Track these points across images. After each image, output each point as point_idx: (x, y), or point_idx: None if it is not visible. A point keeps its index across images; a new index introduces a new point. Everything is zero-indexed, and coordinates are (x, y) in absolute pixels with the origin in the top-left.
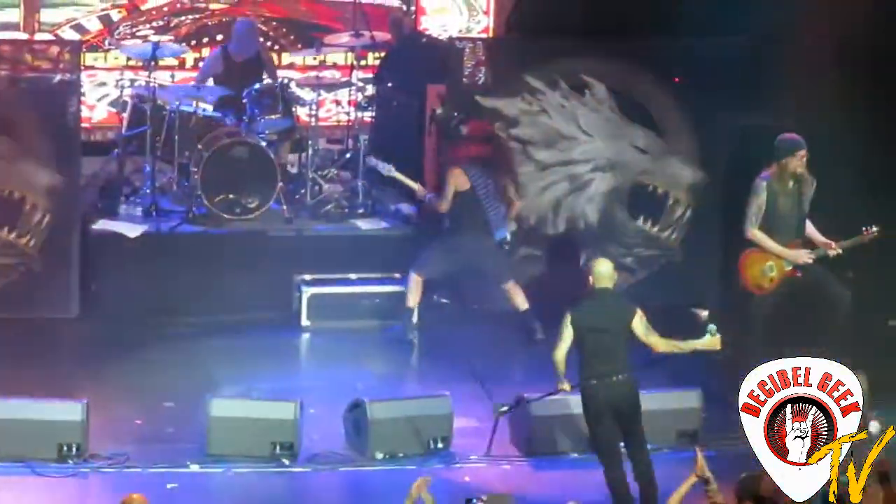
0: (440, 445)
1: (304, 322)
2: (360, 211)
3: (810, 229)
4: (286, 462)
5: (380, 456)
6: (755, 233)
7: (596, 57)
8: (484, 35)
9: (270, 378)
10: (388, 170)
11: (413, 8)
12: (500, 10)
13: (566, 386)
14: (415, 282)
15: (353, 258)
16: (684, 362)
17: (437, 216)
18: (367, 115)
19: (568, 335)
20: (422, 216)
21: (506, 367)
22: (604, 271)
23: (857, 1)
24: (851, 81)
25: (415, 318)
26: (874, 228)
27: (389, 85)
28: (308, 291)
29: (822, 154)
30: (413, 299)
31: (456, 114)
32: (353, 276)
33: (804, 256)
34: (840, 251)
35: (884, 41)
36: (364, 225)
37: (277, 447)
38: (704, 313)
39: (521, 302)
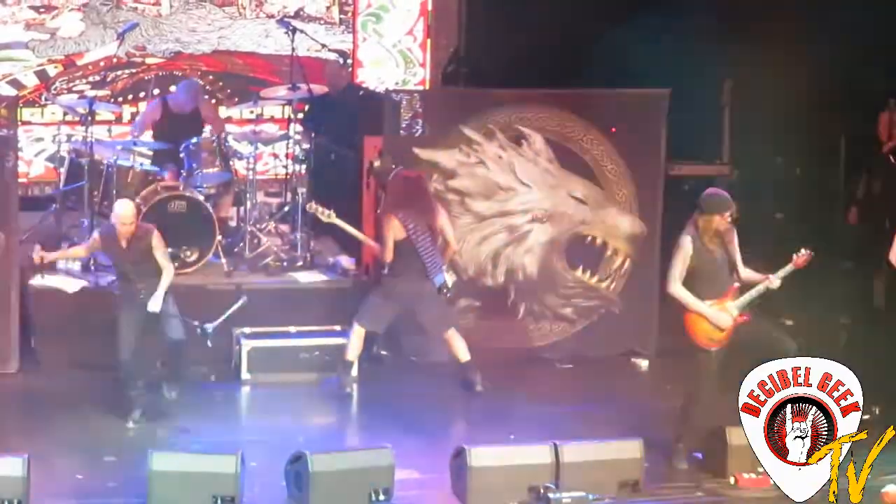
0: (382, 497)
1: (244, 375)
2: (299, 264)
3: (747, 273)
4: None
5: None
6: (678, 290)
7: (532, 108)
8: (420, 87)
9: (211, 431)
10: (329, 215)
11: (350, 61)
12: (437, 62)
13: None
14: (357, 334)
15: (292, 311)
16: (629, 412)
17: (375, 269)
18: (305, 168)
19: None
20: (360, 268)
21: (446, 419)
22: None
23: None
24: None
25: (354, 371)
26: (803, 251)
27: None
28: (247, 345)
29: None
30: (353, 352)
31: (394, 166)
32: (292, 329)
33: (725, 322)
34: (779, 282)
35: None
36: (303, 278)
37: (219, 500)
38: (644, 363)
39: (463, 353)
